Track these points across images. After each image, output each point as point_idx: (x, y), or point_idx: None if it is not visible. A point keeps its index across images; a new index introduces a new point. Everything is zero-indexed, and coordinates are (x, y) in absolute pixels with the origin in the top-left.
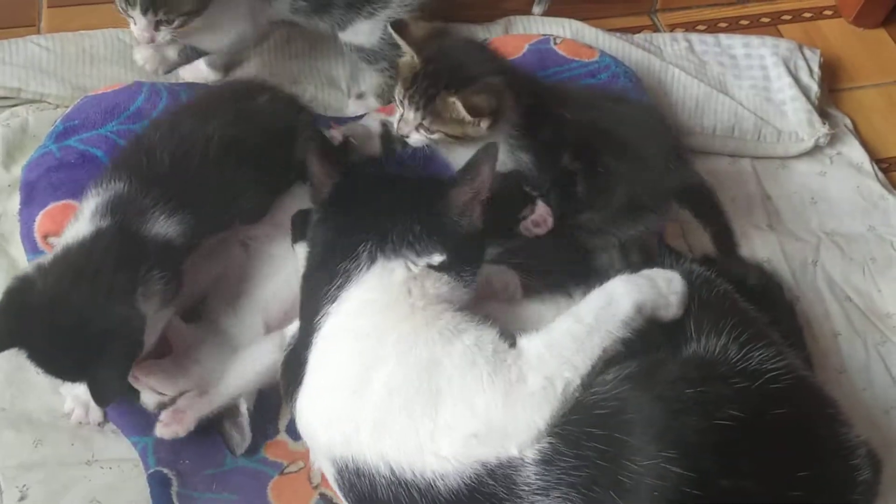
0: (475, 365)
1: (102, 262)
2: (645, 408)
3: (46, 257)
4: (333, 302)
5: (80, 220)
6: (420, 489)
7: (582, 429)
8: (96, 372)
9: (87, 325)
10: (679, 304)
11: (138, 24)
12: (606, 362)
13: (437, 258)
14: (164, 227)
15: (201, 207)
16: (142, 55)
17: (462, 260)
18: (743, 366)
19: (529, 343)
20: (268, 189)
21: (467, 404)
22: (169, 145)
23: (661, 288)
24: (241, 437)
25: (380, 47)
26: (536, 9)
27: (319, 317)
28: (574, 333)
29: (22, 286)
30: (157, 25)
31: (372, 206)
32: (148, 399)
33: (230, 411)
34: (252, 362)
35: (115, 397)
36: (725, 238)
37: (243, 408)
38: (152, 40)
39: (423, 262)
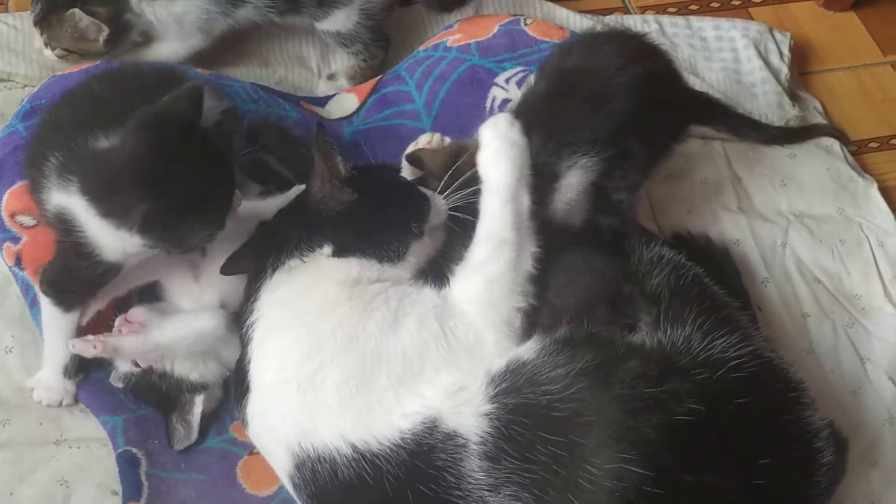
0: (428, 347)
1: None
2: (603, 409)
3: None
4: (251, 315)
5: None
6: (384, 456)
7: (534, 432)
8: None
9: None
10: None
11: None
12: (558, 350)
13: (327, 248)
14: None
15: None
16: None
17: (361, 241)
18: (705, 356)
19: (468, 290)
20: None
21: (430, 377)
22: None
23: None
24: (187, 433)
25: (356, 31)
26: None
27: (247, 329)
28: (506, 258)
29: None
30: (45, 44)
31: (268, 232)
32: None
33: (183, 405)
34: (189, 322)
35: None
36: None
37: (197, 407)
38: (41, 51)
39: (314, 255)
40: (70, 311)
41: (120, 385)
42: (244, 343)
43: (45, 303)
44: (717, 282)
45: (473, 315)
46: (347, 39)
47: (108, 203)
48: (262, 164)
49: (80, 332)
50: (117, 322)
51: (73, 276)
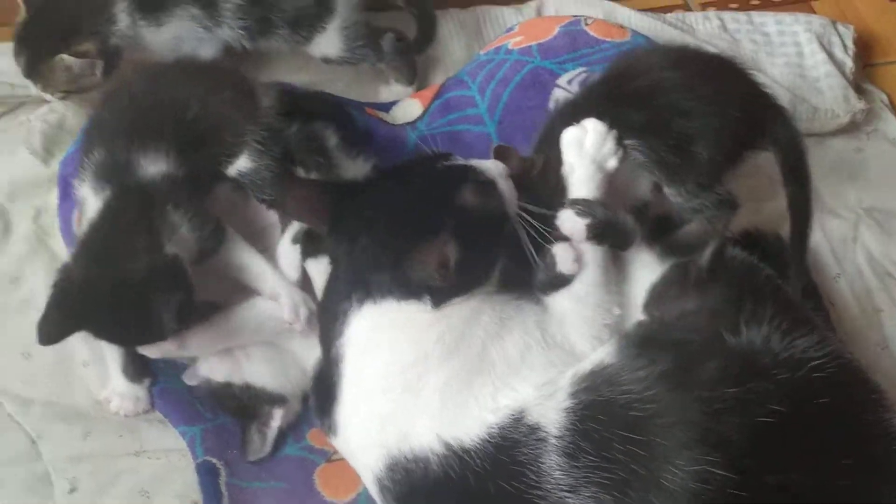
0: (530, 350)
1: (121, 224)
2: (684, 410)
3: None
4: (340, 337)
5: (89, 202)
6: (473, 451)
7: (612, 430)
8: (149, 317)
9: (126, 284)
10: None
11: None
12: (638, 353)
13: (423, 303)
14: (152, 166)
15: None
16: None
17: (452, 294)
18: (786, 356)
19: (562, 305)
20: None
21: (525, 375)
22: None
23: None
24: (262, 445)
25: (351, 54)
26: None
27: (337, 348)
28: (595, 279)
29: (62, 275)
30: (42, 89)
31: (356, 250)
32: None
33: (261, 417)
34: (247, 305)
35: (171, 330)
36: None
37: (276, 420)
38: (42, 98)
39: (409, 305)
40: None
41: (194, 383)
42: (332, 360)
43: None
44: (788, 280)
45: (568, 327)
46: (350, 61)
47: None
48: (315, 140)
49: None
50: None
51: None
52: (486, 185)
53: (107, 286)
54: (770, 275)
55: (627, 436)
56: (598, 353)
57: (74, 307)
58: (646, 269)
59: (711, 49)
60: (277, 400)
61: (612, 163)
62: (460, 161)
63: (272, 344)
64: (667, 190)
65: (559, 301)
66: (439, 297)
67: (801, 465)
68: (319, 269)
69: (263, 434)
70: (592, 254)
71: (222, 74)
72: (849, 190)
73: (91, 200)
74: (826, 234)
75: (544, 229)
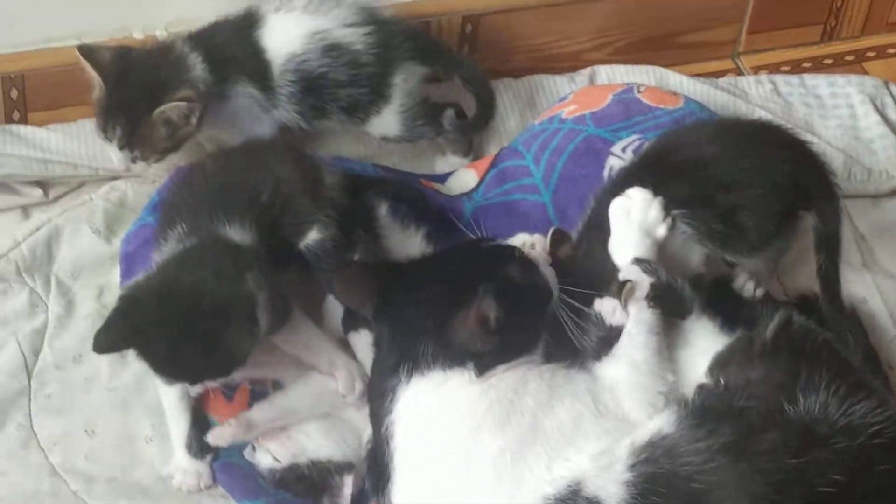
0: (582, 418)
1: (204, 255)
2: (745, 482)
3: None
4: (390, 415)
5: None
6: None
7: (673, 503)
8: (215, 346)
9: (199, 307)
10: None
11: (114, 155)
12: (697, 423)
13: (468, 370)
14: (237, 235)
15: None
16: None
17: (496, 360)
18: (845, 422)
19: (616, 372)
20: None
21: (580, 444)
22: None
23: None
24: None
25: (409, 133)
26: None
27: (387, 427)
28: (651, 346)
29: (133, 290)
30: (133, 160)
31: (402, 323)
32: (262, 460)
33: (332, 489)
34: (303, 380)
35: (234, 366)
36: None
37: (348, 488)
38: (127, 170)
39: (455, 372)
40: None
41: (255, 464)
42: (383, 438)
43: (158, 380)
44: (846, 343)
45: (621, 394)
46: (410, 139)
47: None
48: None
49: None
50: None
51: None
52: (529, 263)
53: (178, 307)
54: (827, 339)
55: None
56: (655, 421)
57: (138, 321)
58: (706, 338)
59: (762, 113)
60: (345, 468)
61: (661, 230)
62: (505, 242)
63: (327, 414)
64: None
65: (612, 368)
66: (483, 363)
67: None
68: (362, 343)
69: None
70: (648, 319)
71: (289, 156)
72: None
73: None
74: (883, 297)
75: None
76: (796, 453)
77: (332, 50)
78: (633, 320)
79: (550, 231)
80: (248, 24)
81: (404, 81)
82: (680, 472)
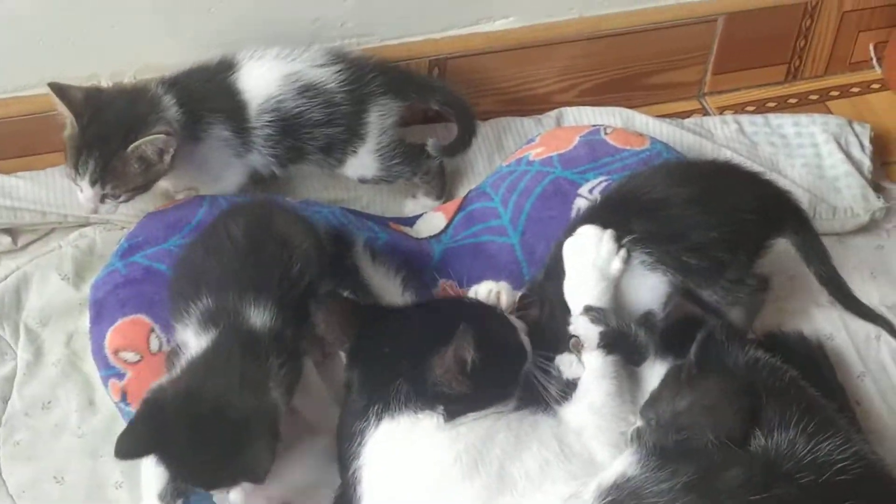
0: (549, 464)
1: (229, 359)
2: None
3: (174, 371)
4: (358, 459)
5: (190, 345)
6: None
7: None
8: (236, 458)
9: (223, 417)
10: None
11: (84, 193)
12: (660, 465)
13: (438, 413)
14: (260, 317)
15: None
16: None
17: (467, 407)
18: (811, 458)
19: (577, 416)
20: None
21: (548, 489)
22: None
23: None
24: None
25: (387, 173)
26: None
27: (354, 471)
28: (607, 389)
29: (156, 395)
30: (102, 198)
31: (376, 363)
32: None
33: None
34: (296, 457)
35: (265, 473)
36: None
37: None
38: (94, 211)
39: (425, 416)
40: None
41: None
42: (350, 483)
43: None
44: (814, 379)
45: (586, 437)
46: (387, 180)
47: None
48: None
49: None
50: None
51: None
52: (510, 324)
53: (201, 416)
54: (794, 376)
55: None
56: (619, 463)
57: (161, 427)
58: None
59: (727, 153)
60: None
61: (616, 264)
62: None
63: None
64: (702, 292)
65: (575, 413)
66: (453, 408)
67: None
68: None
69: None
70: (606, 365)
71: (298, 221)
72: (871, 288)
73: (193, 343)
74: (849, 334)
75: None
76: (760, 489)
77: (307, 90)
78: (589, 368)
79: (518, 295)
80: (223, 68)
81: (379, 118)
82: None
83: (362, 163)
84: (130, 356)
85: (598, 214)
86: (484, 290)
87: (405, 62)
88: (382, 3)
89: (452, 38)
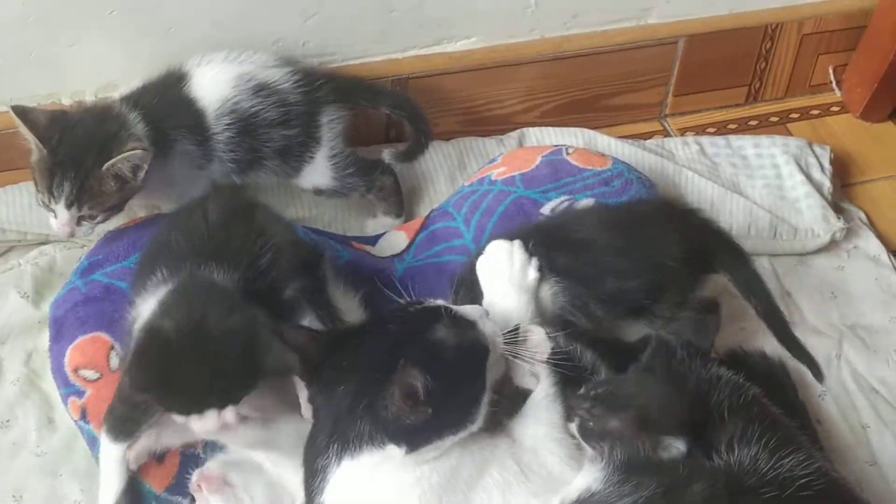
0: (510, 486)
1: (200, 288)
2: None
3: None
4: (321, 494)
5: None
6: None
7: None
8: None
9: (219, 330)
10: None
11: (59, 217)
12: (623, 479)
13: (396, 450)
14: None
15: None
16: None
17: (428, 436)
18: (773, 474)
19: (533, 433)
20: None
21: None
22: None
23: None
24: None
25: (341, 183)
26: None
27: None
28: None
29: (149, 333)
30: (79, 220)
31: (332, 401)
32: None
33: None
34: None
35: (280, 364)
36: (774, 315)
37: None
38: (71, 235)
39: (387, 451)
40: (119, 441)
41: None
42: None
43: (103, 439)
44: (776, 398)
45: (542, 453)
46: (341, 192)
47: None
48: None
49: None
50: (195, 477)
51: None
52: (461, 322)
53: (202, 333)
54: (756, 394)
55: None
56: (582, 479)
57: (162, 360)
58: None
59: (689, 174)
60: None
61: (532, 274)
62: (435, 303)
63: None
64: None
65: (529, 429)
66: (413, 439)
67: None
68: None
69: None
70: (553, 382)
71: (278, 218)
72: (831, 308)
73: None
74: (811, 353)
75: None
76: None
77: (262, 89)
78: (540, 385)
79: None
80: (174, 80)
81: (330, 122)
82: None
83: (317, 170)
84: (90, 374)
85: (524, 239)
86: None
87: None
88: (343, 22)
89: (414, 58)
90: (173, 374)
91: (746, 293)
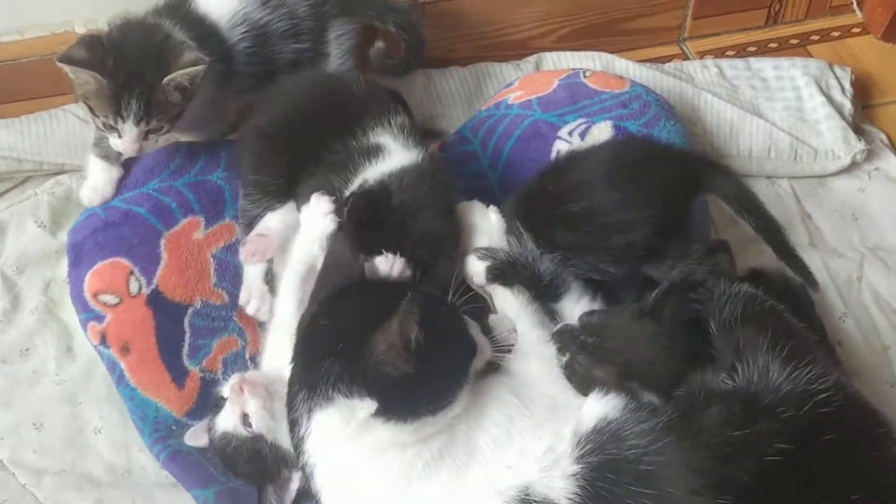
0: (513, 421)
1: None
2: (693, 459)
3: None
4: (304, 456)
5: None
6: None
7: (623, 486)
8: None
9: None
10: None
11: (127, 135)
12: (640, 405)
13: (368, 405)
14: None
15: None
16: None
17: (405, 407)
18: (788, 389)
19: (529, 367)
20: None
21: (519, 447)
22: None
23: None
24: None
25: None
26: None
27: (306, 467)
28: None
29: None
30: (146, 135)
31: (309, 338)
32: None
33: (280, 480)
34: None
35: None
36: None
37: (294, 483)
38: (139, 151)
39: (354, 408)
40: None
41: (203, 444)
42: (306, 475)
43: None
44: (795, 314)
45: (541, 383)
46: None
47: None
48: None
49: None
50: (234, 379)
51: None
52: (460, 315)
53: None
54: (773, 304)
55: (639, 490)
56: (598, 406)
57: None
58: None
59: (707, 97)
60: (296, 464)
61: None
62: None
63: None
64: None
65: (523, 365)
66: (386, 399)
67: (810, 499)
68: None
69: (281, 497)
70: (515, 296)
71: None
72: (852, 230)
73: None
74: (831, 275)
75: None
76: (741, 425)
77: (269, 1)
78: (506, 306)
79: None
80: (178, 2)
81: (338, 38)
82: (627, 455)
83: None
84: (110, 299)
85: (520, 213)
86: (382, 263)
87: None
88: None
89: None
90: None
91: (738, 208)
